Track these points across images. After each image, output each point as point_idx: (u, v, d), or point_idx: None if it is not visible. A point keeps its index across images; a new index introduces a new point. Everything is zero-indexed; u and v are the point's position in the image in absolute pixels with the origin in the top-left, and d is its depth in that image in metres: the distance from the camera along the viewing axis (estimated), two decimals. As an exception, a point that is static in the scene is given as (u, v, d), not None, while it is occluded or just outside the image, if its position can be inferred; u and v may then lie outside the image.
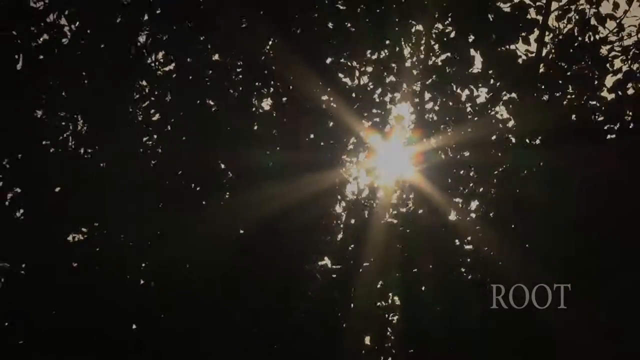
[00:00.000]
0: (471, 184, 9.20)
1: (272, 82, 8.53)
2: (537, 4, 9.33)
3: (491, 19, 8.88)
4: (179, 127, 8.37)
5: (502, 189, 8.92)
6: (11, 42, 8.02)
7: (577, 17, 9.56)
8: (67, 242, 8.28)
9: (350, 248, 8.92)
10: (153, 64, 8.47)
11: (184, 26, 8.45)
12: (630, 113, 8.89)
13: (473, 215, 9.16)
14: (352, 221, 8.89)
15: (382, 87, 9.21)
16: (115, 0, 8.22)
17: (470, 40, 9.17)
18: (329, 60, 8.93)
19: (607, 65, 9.51)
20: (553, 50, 9.35)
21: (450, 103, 9.44)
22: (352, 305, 8.63)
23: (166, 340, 7.56)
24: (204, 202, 8.16)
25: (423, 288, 8.90)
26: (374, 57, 9.24)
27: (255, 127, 8.32)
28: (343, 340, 8.45)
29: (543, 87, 9.02)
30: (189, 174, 8.20)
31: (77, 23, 8.18)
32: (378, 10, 8.77)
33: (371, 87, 9.22)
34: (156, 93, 8.61)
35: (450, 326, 8.28)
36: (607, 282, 7.58)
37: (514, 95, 9.27)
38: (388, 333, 8.97)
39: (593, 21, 9.71)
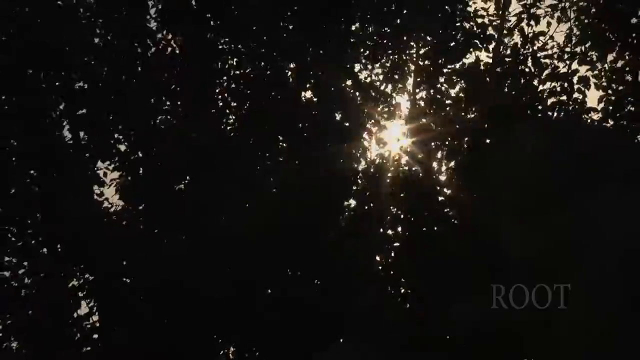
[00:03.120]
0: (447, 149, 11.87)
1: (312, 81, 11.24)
2: (494, 23, 12.21)
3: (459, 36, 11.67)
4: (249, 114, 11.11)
5: (469, 153, 11.57)
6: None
7: (519, 34, 12.43)
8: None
9: (367, 193, 11.38)
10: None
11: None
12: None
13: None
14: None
15: (387, 83, 11.99)
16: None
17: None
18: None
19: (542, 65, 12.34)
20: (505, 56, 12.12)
21: (432, 92, 12.21)
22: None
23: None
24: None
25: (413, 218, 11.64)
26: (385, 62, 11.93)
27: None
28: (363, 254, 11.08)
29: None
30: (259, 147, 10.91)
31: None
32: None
33: (381, 82, 12.02)
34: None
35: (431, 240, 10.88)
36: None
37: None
38: (392, 254, 11.33)
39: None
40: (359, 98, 11.43)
